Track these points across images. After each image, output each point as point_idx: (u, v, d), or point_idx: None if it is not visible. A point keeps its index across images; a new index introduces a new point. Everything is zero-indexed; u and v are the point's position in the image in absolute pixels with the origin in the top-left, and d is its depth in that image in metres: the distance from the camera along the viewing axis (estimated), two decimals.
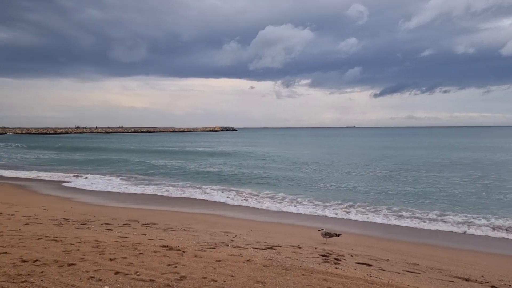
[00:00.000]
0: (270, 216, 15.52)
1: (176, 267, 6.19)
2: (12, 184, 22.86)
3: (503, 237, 12.65)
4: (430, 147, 62.26)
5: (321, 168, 32.54)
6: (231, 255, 7.28)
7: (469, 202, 18.03)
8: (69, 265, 6.01)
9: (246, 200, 18.72)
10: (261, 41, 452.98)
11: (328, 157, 43.96)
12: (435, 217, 15.06)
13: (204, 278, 5.67)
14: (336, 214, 15.75)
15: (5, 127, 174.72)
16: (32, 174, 27.81)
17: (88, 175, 27.32)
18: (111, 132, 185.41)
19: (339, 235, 10.36)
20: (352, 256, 8.50)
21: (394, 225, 14.18)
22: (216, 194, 20.35)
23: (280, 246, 8.95)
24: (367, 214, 15.56)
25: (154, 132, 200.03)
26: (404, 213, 15.58)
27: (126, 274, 5.67)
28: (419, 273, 7.46)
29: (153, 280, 5.44)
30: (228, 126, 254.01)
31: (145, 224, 11.63)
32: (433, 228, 13.66)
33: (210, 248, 7.87)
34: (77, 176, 26.80)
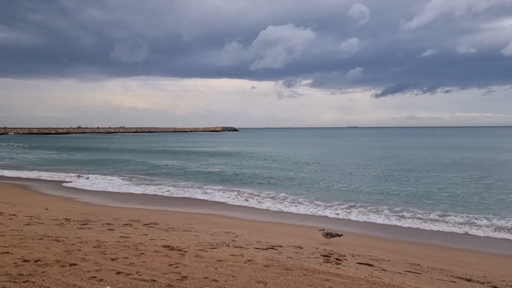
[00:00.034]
0: (272, 216, 15.51)
1: (177, 267, 6.20)
2: (14, 184, 22.91)
3: (505, 238, 12.62)
4: (431, 147, 62.17)
5: (323, 168, 32.52)
6: (233, 255, 7.28)
7: (471, 202, 17.99)
8: (70, 265, 6.02)
9: (247, 200, 18.72)
10: (262, 41, 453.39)
11: (329, 157, 43.93)
12: (436, 217, 15.03)
13: (206, 278, 5.67)
14: (337, 214, 15.73)
15: (6, 127, 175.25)
16: (34, 174, 27.87)
17: (90, 175, 27.36)
18: (113, 132, 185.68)
19: (340, 235, 10.35)
20: (353, 256, 8.49)
21: (396, 225, 14.16)
22: (217, 194, 20.36)
23: (282, 246, 8.95)
24: (368, 215, 15.54)
25: (155, 132, 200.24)
26: (405, 214, 15.56)
27: (128, 274, 5.67)
28: (421, 274, 7.45)
29: (155, 280, 5.44)
30: (230, 126, 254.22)
31: (147, 224, 11.64)
32: (434, 228, 13.64)
33: (211, 248, 7.87)
34: (79, 176, 26.84)
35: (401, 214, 15.57)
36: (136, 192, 21.00)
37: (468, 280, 7.39)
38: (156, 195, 20.34)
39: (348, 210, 16.28)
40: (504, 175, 27.04)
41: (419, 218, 14.87)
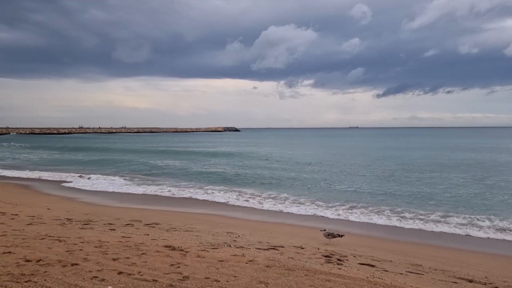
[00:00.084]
0: (273, 216, 15.51)
1: (179, 267, 6.20)
2: (16, 184, 22.97)
3: (507, 239, 12.59)
4: (433, 148, 62.06)
5: (324, 169, 32.50)
6: (234, 255, 7.29)
7: (473, 203, 17.95)
8: (72, 265, 6.03)
9: (249, 200, 18.72)
10: (264, 41, 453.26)
11: (330, 158, 43.90)
12: (438, 218, 15.00)
13: (207, 278, 5.67)
14: (339, 214, 15.71)
15: (8, 127, 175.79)
16: (36, 174, 27.93)
17: (91, 175, 27.41)
18: (114, 133, 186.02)
19: (342, 235, 10.34)
20: (355, 256, 8.49)
21: (397, 226, 14.13)
22: (219, 194, 20.37)
23: (283, 247, 8.94)
24: (369, 215, 15.52)
25: (157, 132, 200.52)
26: (407, 214, 15.54)
27: (129, 274, 5.68)
28: (422, 274, 7.44)
29: (156, 280, 5.45)
30: (231, 126, 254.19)
31: (148, 224, 11.65)
32: (436, 229, 13.61)
33: (213, 248, 7.88)
34: (80, 176, 26.90)
35: (402, 214, 15.54)
36: (137, 192, 21.02)
37: (470, 281, 7.38)
38: (158, 195, 20.35)
39: (350, 211, 16.26)
40: (506, 176, 26.97)
41: (420, 219, 14.84)
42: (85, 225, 10.56)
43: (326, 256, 8.09)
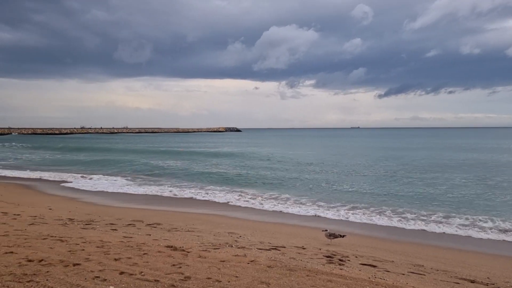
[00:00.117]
0: (274, 216, 15.51)
1: (180, 267, 6.21)
2: (18, 184, 23.03)
3: (509, 240, 12.55)
4: (435, 148, 61.95)
5: (326, 169, 32.48)
6: (235, 255, 7.29)
7: (475, 204, 17.91)
8: (74, 265, 6.04)
9: (250, 201, 18.72)
10: (265, 41, 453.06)
11: (332, 158, 43.87)
12: (440, 219, 14.97)
13: (209, 278, 5.68)
14: (340, 215, 15.70)
15: (10, 128, 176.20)
16: (37, 174, 27.99)
17: (93, 176, 27.46)
18: (116, 133, 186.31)
19: (343, 236, 10.33)
20: (356, 257, 8.48)
21: (399, 226, 14.11)
22: (220, 194, 20.38)
23: (284, 247, 8.94)
24: (371, 216, 15.51)
25: (158, 132, 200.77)
26: (408, 215, 15.51)
27: (131, 274, 5.69)
28: (424, 275, 7.42)
29: (158, 280, 5.45)
30: (232, 126, 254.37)
31: (150, 225, 11.66)
32: (438, 230, 13.58)
33: (214, 249, 7.88)
34: (82, 176, 26.95)
35: (404, 215, 15.52)
36: (139, 193, 21.05)
37: (472, 282, 7.36)
38: (159, 195, 20.38)
39: (351, 211, 16.24)
40: (508, 176, 26.90)
41: (422, 220, 14.81)
42: (87, 225, 10.58)
43: (327, 257, 8.09)
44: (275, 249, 8.53)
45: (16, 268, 5.70)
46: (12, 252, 6.63)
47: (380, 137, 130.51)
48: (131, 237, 8.83)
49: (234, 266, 6.44)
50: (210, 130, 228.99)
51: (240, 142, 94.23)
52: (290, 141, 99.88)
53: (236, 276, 5.86)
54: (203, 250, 7.63)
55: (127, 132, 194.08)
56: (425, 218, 15.05)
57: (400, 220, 14.80)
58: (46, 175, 27.73)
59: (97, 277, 5.48)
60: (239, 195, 20.14)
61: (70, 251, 6.96)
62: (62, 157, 45.76)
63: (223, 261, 6.74)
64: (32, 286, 5.02)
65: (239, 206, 17.70)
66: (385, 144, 77.95)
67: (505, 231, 13.31)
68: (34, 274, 5.45)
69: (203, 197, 19.84)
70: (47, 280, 5.26)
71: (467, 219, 14.81)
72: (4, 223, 9.92)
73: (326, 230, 10.67)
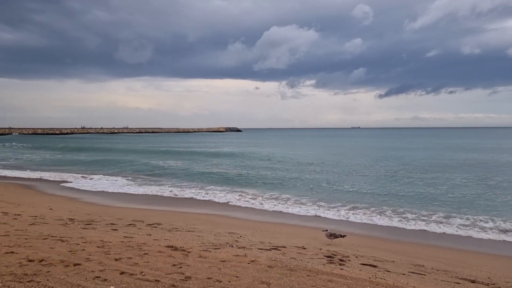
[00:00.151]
0: (275, 216, 15.50)
1: (181, 267, 6.21)
2: (18, 184, 23.04)
3: (510, 240, 12.54)
4: (435, 148, 61.91)
5: (326, 169, 32.47)
6: (236, 255, 7.29)
7: (475, 204, 17.90)
8: (74, 265, 6.04)
9: (251, 201, 18.72)
10: (266, 42, 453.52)
11: (333, 158, 43.85)
12: (440, 219, 14.96)
13: (209, 278, 5.68)
14: (341, 215, 15.70)
15: (11, 128, 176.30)
16: (38, 174, 28.00)
17: (94, 176, 27.48)
18: (116, 133, 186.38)
19: (343, 236, 10.33)
20: (357, 257, 8.47)
21: (399, 226, 14.11)
22: (220, 194, 20.38)
23: (285, 247, 8.94)
24: (371, 216, 15.50)
25: (159, 132, 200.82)
26: (409, 215, 15.50)
27: (132, 274, 5.69)
28: (425, 275, 7.42)
29: (158, 280, 5.45)
30: (233, 126, 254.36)
31: (150, 225, 11.66)
32: (438, 230, 13.57)
33: (215, 249, 7.88)
34: (83, 177, 26.97)
35: (404, 215, 15.52)
36: (139, 193, 21.06)
37: (473, 282, 7.35)
38: (160, 195, 20.38)
39: (352, 211, 16.24)
40: (509, 176, 26.88)
41: (423, 220, 14.81)
42: (87, 225, 10.58)
43: (328, 257, 8.08)
44: (275, 249, 8.53)
45: (17, 268, 5.70)
46: (12, 252, 6.64)
47: (380, 137, 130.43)
48: (131, 237, 8.83)
49: (235, 266, 6.44)
50: (210, 130, 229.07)
51: (240, 142, 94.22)
52: (291, 141, 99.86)
53: (237, 276, 5.86)
54: (203, 250, 7.64)
55: (128, 132, 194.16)
56: (425, 218, 15.05)
57: (401, 220, 14.79)
58: (46, 175, 27.75)
59: (98, 277, 5.49)
60: (240, 195, 20.14)
61: (70, 251, 6.96)
62: (63, 157, 45.78)
63: (224, 261, 6.74)
64: (32, 286, 5.02)
65: (240, 206, 17.70)
66: (385, 144, 77.90)
67: (505, 231, 13.30)
68: (34, 274, 5.45)
69: (204, 197, 19.85)
70: (47, 280, 5.26)
71: (467, 219, 14.80)
72: (5, 223, 9.93)
73: (327, 230, 10.67)
